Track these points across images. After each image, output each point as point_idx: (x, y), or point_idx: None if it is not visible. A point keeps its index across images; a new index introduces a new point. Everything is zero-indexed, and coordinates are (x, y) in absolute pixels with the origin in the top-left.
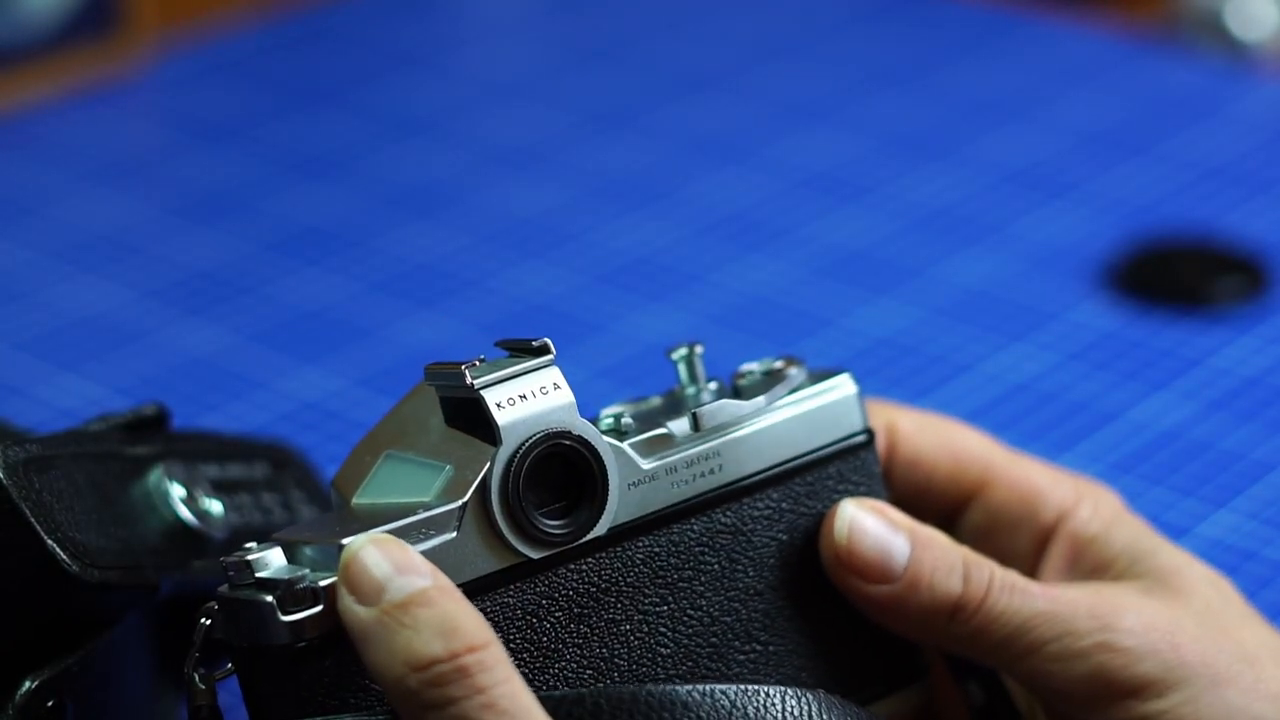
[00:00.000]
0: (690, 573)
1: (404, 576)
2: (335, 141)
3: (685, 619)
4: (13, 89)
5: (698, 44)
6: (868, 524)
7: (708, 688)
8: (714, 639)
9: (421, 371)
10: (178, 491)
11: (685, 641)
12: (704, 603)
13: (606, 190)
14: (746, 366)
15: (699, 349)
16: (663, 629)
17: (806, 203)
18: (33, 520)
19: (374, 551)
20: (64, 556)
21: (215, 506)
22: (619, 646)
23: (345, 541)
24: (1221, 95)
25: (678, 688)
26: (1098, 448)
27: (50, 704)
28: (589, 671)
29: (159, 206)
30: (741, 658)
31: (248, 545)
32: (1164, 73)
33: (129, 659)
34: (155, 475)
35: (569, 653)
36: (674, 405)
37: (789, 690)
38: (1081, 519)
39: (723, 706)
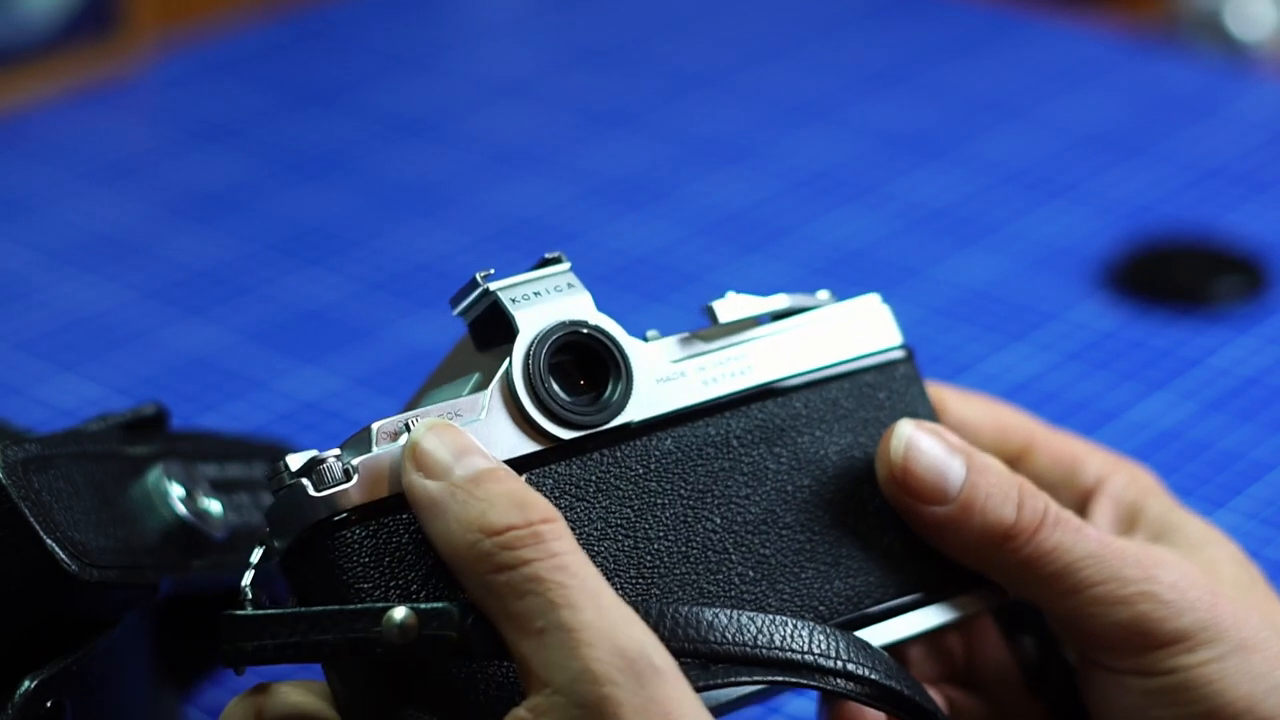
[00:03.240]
0: (729, 464)
1: (468, 456)
2: (335, 141)
3: (730, 506)
4: (13, 89)
5: (698, 44)
6: (924, 444)
7: (734, 611)
8: (765, 527)
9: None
10: (177, 491)
11: (735, 527)
12: (748, 491)
13: (606, 190)
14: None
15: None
16: (706, 513)
17: (806, 203)
18: (32, 520)
19: (434, 435)
20: (63, 556)
21: (214, 506)
22: (664, 529)
23: (375, 426)
24: (1221, 95)
25: (704, 609)
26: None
27: (50, 704)
28: (636, 551)
29: (159, 206)
30: (796, 545)
31: (287, 454)
32: (1164, 73)
33: (129, 659)
34: (154, 475)
35: (613, 533)
36: None
37: (818, 627)
38: (1120, 485)
39: (749, 631)
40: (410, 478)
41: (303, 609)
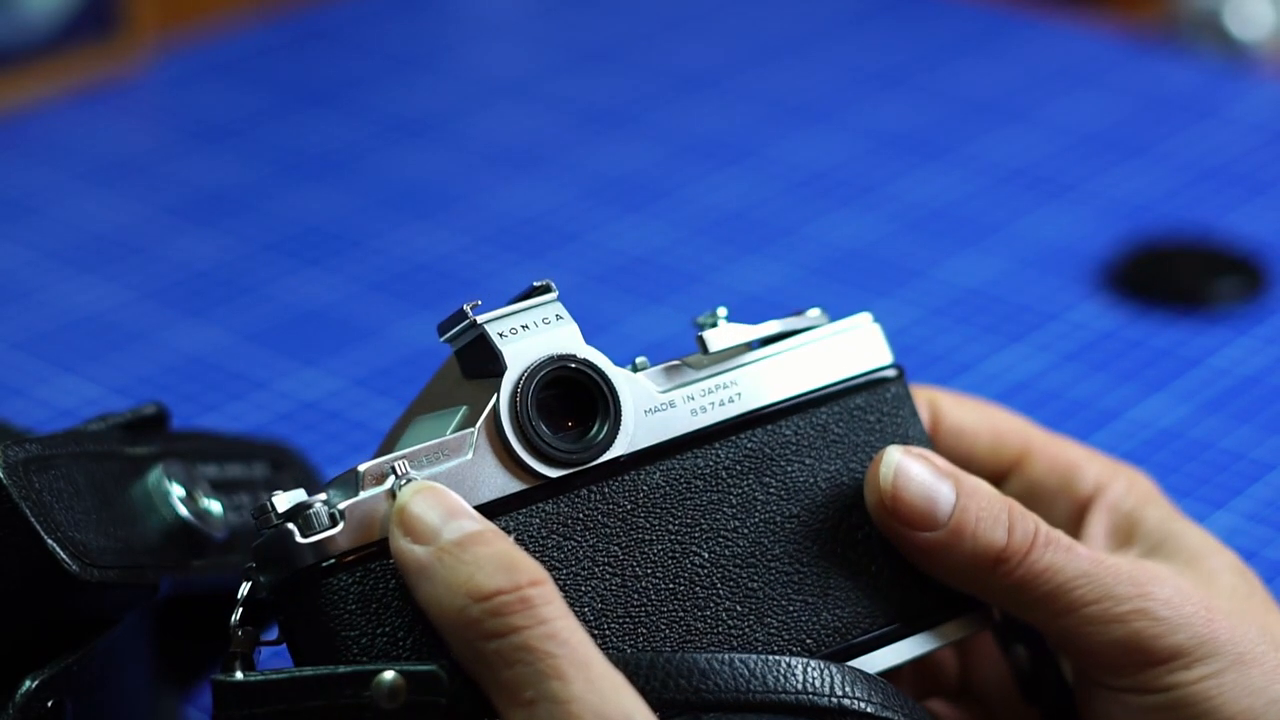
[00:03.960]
0: (718, 496)
1: (455, 520)
2: (335, 141)
3: (718, 540)
4: (13, 89)
5: (698, 44)
6: (913, 470)
7: (727, 656)
8: (753, 560)
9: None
10: (177, 491)
11: (722, 561)
12: (737, 524)
13: (606, 190)
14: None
15: (722, 311)
16: (694, 548)
17: (806, 203)
18: (33, 520)
19: (421, 499)
20: (64, 556)
21: (215, 506)
22: (651, 566)
23: (362, 468)
24: (1220, 95)
25: (697, 655)
26: (1097, 447)
27: (50, 704)
28: (624, 590)
29: (159, 206)
30: (784, 578)
31: (274, 492)
32: (1163, 73)
33: (129, 659)
34: (155, 475)
35: (600, 571)
36: None
37: (812, 661)
38: (1118, 493)
39: (742, 675)
40: (398, 543)
41: (291, 674)
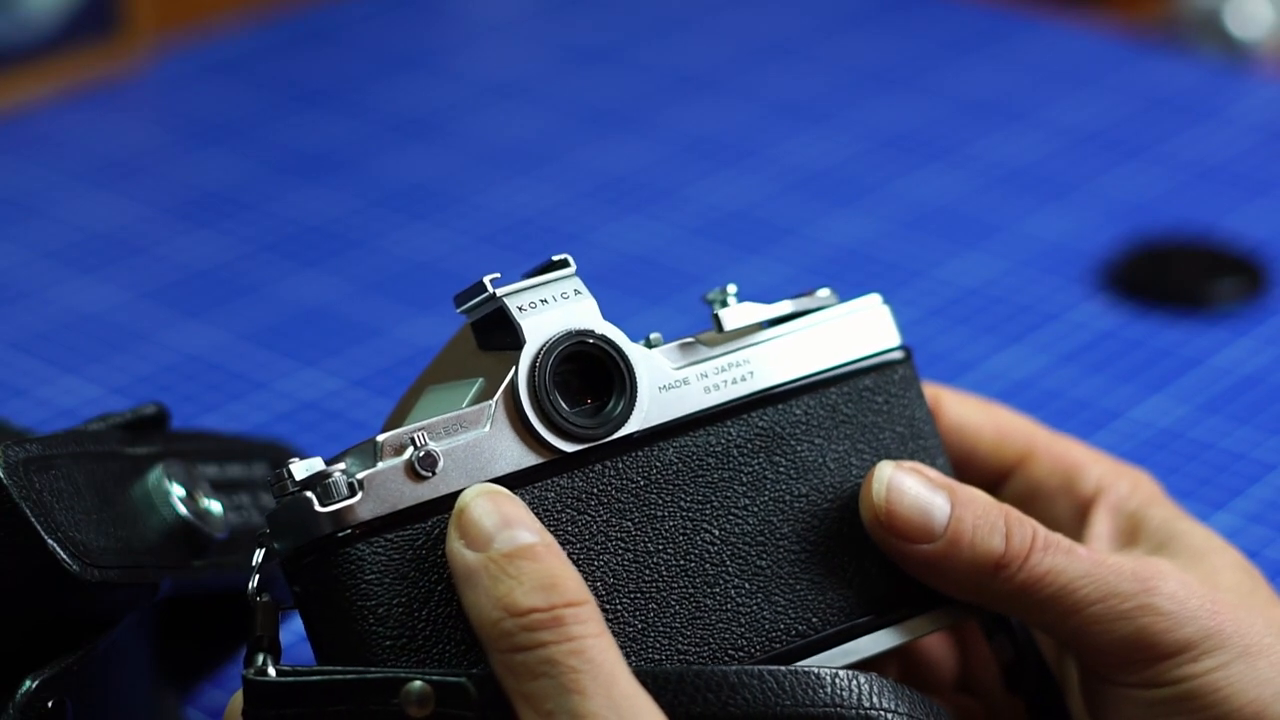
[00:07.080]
0: (729, 474)
1: (511, 529)
2: (335, 141)
3: (729, 518)
4: (13, 89)
5: (698, 44)
6: (906, 484)
7: (757, 669)
8: (762, 539)
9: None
10: (177, 491)
11: (732, 539)
12: (747, 502)
13: (607, 190)
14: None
15: (732, 288)
16: (705, 525)
17: (806, 203)
18: (33, 520)
19: (484, 502)
20: (64, 556)
21: (215, 506)
22: (663, 542)
23: (381, 439)
24: (1220, 95)
25: (726, 669)
26: (1098, 448)
27: (50, 704)
28: (636, 565)
29: (159, 206)
30: (792, 556)
31: (291, 459)
32: (1163, 73)
33: (129, 659)
34: (155, 475)
35: (613, 546)
36: None
37: (840, 672)
38: (1121, 493)
39: (771, 688)
40: (452, 544)
41: (322, 676)
